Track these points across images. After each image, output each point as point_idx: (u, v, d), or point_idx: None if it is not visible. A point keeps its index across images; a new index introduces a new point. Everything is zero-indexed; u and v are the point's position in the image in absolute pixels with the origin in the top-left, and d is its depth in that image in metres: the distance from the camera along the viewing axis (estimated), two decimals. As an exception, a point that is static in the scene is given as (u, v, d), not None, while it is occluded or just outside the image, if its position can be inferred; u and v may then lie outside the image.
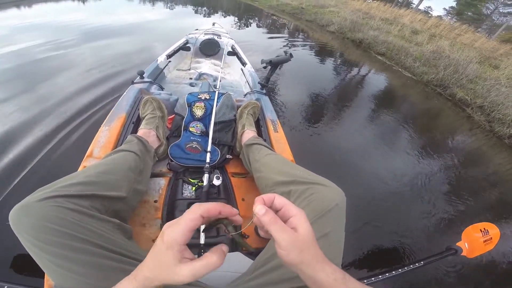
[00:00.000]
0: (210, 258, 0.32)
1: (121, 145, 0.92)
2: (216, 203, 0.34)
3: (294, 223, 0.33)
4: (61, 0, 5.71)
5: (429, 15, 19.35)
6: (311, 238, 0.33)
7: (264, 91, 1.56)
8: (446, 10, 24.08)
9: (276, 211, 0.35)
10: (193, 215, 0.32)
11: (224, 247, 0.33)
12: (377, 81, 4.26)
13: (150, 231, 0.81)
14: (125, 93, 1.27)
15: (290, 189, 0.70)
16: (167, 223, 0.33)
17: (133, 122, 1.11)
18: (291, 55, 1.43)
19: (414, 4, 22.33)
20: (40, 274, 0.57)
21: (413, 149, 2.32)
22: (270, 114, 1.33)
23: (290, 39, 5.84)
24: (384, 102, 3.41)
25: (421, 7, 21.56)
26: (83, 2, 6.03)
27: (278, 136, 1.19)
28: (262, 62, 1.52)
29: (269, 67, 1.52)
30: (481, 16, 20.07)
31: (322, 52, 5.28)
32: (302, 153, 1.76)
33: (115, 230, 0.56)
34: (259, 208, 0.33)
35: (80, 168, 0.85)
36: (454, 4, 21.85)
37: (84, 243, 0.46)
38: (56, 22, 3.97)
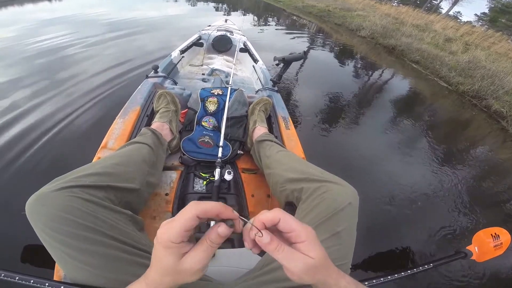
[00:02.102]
0: (207, 239, 0.29)
1: (135, 137, 0.93)
2: (216, 204, 0.30)
3: (304, 249, 0.29)
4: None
5: (458, 20, 18.43)
6: (325, 258, 0.30)
7: (276, 88, 1.55)
8: (477, 16, 22.86)
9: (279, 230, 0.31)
10: (188, 215, 0.29)
11: (220, 228, 0.29)
12: (411, 89, 4.19)
13: (160, 224, 0.81)
14: (139, 86, 1.29)
15: (302, 187, 0.68)
16: (164, 221, 0.31)
17: (147, 115, 1.13)
18: (304, 53, 1.41)
19: (442, 9, 21.41)
20: (49, 265, 0.57)
21: (441, 156, 2.24)
22: (281, 111, 1.32)
23: (317, 42, 5.80)
24: (418, 110, 3.35)
25: (450, 12, 20.64)
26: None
27: (290, 134, 1.17)
28: (275, 59, 1.51)
29: (282, 64, 1.51)
30: (515, 23, 18.85)
31: (356, 57, 5.24)
32: (314, 152, 1.72)
33: (128, 222, 0.55)
34: (264, 237, 0.29)
35: (94, 159, 0.87)
36: (486, 10, 20.74)
37: (98, 234, 0.46)
38: (84, 15, 4.20)
